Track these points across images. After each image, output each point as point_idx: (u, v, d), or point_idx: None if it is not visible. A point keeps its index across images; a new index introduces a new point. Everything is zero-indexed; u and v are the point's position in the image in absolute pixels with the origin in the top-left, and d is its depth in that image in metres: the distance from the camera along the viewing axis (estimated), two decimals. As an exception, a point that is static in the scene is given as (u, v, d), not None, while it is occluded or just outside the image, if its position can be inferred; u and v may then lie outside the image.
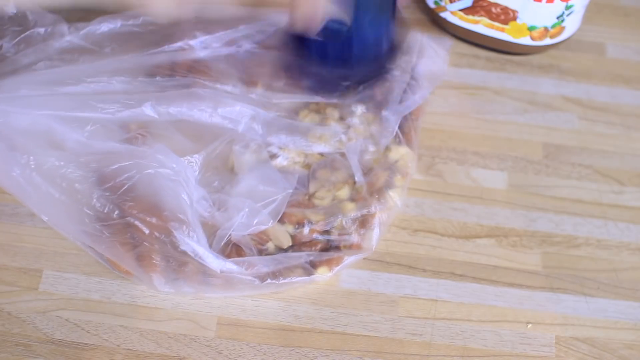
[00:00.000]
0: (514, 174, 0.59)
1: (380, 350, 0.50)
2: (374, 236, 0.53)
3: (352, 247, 0.53)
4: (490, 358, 0.50)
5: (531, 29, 0.63)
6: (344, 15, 0.48)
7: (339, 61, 0.53)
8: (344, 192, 0.55)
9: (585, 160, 0.60)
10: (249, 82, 0.58)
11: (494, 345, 0.51)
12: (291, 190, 0.53)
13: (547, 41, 0.64)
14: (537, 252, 0.55)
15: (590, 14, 0.68)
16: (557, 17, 0.62)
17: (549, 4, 0.60)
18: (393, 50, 0.55)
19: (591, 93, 0.65)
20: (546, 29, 0.63)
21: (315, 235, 0.52)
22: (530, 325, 0.52)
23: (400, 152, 0.56)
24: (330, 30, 0.48)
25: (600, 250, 0.56)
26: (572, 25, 0.64)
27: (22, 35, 0.58)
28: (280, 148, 0.56)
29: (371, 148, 0.56)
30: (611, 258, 0.55)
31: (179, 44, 0.59)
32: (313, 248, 0.52)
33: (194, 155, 0.54)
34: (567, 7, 0.61)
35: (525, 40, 0.64)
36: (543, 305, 0.53)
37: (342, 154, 0.56)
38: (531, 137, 0.61)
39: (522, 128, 0.62)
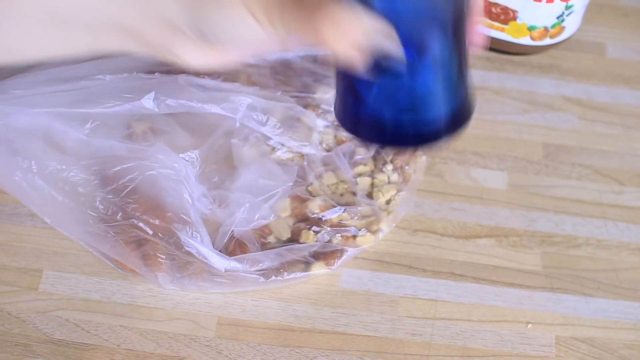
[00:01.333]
0: (513, 174, 0.59)
1: (380, 350, 0.50)
2: (375, 229, 0.53)
3: (354, 239, 0.53)
4: (490, 358, 0.50)
5: (531, 29, 0.63)
6: (397, 52, 0.35)
7: (395, 109, 0.39)
8: (344, 185, 0.55)
9: (585, 160, 0.60)
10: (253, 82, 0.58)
11: (494, 345, 0.51)
12: (291, 184, 0.53)
13: (547, 41, 0.64)
14: (537, 252, 0.55)
15: (590, 14, 0.68)
16: (557, 17, 0.62)
17: (549, 4, 0.60)
18: (463, 110, 0.40)
19: (591, 93, 0.65)
20: (546, 29, 0.63)
21: (316, 227, 0.52)
22: (530, 325, 0.52)
23: (389, 193, 0.55)
24: (382, 68, 0.36)
25: (600, 250, 0.56)
26: (572, 25, 0.63)
27: None
28: (279, 142, 0.56)
29: (360, 149, 0.56)
30: (611, 258, 0.55)
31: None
32: (315, 240, 0.52)
33: (194, 151, 0.54)
34: (567, 7, 0.61)
35: (525, 40, 0.64)
36: (543, 305, 0.53)
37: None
38: (531, 137, 0.61)
39: (522, 128, 0.62)
